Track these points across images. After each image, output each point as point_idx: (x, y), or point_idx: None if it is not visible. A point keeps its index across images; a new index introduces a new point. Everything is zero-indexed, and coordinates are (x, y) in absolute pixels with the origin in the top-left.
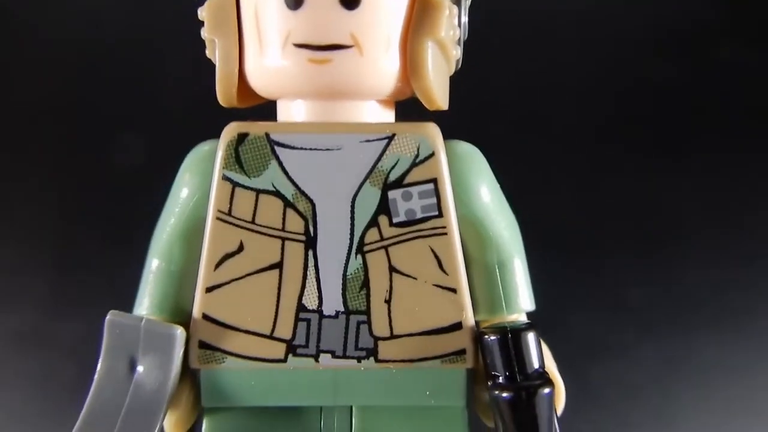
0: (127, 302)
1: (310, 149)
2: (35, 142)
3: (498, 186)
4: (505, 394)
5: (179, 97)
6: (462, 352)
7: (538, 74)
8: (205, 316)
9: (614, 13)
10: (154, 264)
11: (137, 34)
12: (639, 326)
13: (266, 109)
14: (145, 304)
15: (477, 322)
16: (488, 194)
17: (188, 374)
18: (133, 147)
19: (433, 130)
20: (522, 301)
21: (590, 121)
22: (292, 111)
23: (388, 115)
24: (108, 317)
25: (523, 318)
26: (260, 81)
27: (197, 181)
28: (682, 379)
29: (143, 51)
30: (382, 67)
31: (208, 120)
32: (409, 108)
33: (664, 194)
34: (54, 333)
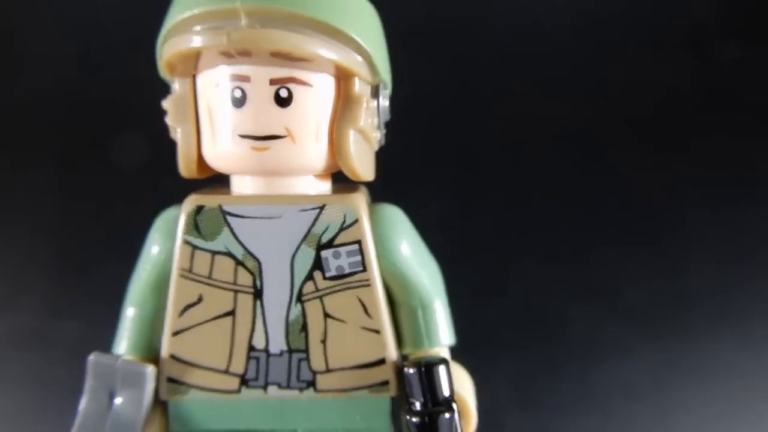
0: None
1: (256, 217)
2: (36, 142)
3: (418, 239)
4: (414, 419)
5: None
6: (386, 383)
7: (537, 74)
8: (172, 356)
9: (614, 12)
10: (129, 311)
11: (139, 33)
12: (639, 326)
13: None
14: (123, 345)
15: (406, 355)
16: (408, 249)
17: (159, 405)
18: (134, 148)
19: (357, 201)
20: (442, 337)
21: (590, 121)
22: (242, 184)
23: (324, 186)
24: (90, 358)
25: (444, 351)
26: (214, 161)
27: (164, 241)
28: (682, 379)
29: (144, 50)
30: (312, 152)
31: None
32: None
33: (664, 193)
34: (54, 333)
